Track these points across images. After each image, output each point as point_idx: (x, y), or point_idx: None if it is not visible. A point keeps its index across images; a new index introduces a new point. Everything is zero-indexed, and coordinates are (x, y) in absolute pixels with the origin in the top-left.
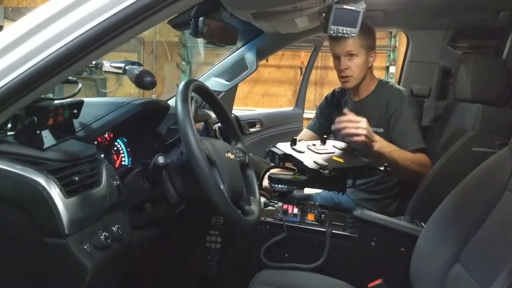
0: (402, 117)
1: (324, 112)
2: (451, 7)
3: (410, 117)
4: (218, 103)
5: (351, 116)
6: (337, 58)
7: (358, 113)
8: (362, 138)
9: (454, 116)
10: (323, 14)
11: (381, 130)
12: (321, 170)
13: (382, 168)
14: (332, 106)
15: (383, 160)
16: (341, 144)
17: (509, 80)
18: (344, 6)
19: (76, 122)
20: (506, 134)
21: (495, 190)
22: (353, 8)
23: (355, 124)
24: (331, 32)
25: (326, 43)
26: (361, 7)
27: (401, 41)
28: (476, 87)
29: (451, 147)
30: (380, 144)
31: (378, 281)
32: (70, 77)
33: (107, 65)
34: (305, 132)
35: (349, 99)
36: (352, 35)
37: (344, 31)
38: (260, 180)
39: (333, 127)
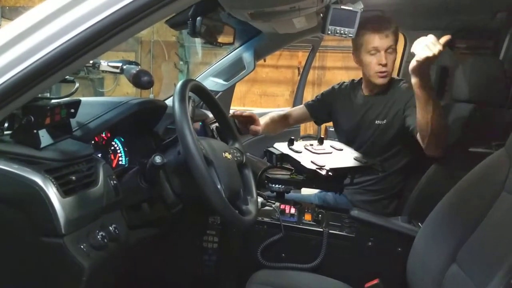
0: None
1: (326, 99)
2: (448, 8)
3: None
4: (216, 103)
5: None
6: (372, 53)
7: (368, 108)
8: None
9: (451, 117)
10: (321, 15)
11: (383, 121)
12: (319, 170)
13: (379, 169)
14: (337, 97)
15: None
16: (339, 145)
17: (506, 80)
18: (342, 7)
19: (73, 121)
20: (503, 135)
21: (492, 191)
22: (350, 8)
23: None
24: (329, 32)
25: (324, 43)
26: (358, 7)
27: (399, 42)
28: (473, 87)
29: (448, 148)
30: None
31: (375, 281)
32: (67, 77)
33: (104, 64)
34: (300, 107)
35: (360, 93)
36: (350, 35)
37: (342, 31)
38: (257, 180)
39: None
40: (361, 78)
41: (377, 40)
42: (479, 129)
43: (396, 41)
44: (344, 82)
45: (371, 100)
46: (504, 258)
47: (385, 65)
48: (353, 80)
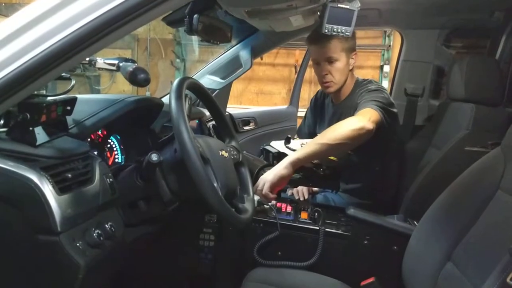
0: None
1: (309, 117)
2: (445, 7)
3: (368, 96)
4: (212, 101)
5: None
6: (317, 63)
7: (338, 117)
8: (275, 189)
9: (448, 116)
10: (318, 13)
11: None
12: (315, 169)
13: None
14: (316, 109)
15: (320, 159)
16: None
17: (502, 80)
18: (339, 5)
19: (69, 119)
20: (499, 134)
21: (488, 190)
22: (347, 7)
23: (259, 192)
24: (326, 31)
25: None
26: (355, 6)
27: (396, 40)
28: (469, 86)
29: (444, 147)
30: (290, 161)
31: (370, 279)
32: (64, 74)
33: (100, 62)
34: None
35: (330, 102)
36: (347, 34)
37: (339, 30)
38: (254, 179)
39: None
40: None
41: (315, 52)
42: (475, 128)
43: (340, 47)
44: (318, 92)
45: (340, 107)
46: (499, 256)
47: (324, 76)
48: None
